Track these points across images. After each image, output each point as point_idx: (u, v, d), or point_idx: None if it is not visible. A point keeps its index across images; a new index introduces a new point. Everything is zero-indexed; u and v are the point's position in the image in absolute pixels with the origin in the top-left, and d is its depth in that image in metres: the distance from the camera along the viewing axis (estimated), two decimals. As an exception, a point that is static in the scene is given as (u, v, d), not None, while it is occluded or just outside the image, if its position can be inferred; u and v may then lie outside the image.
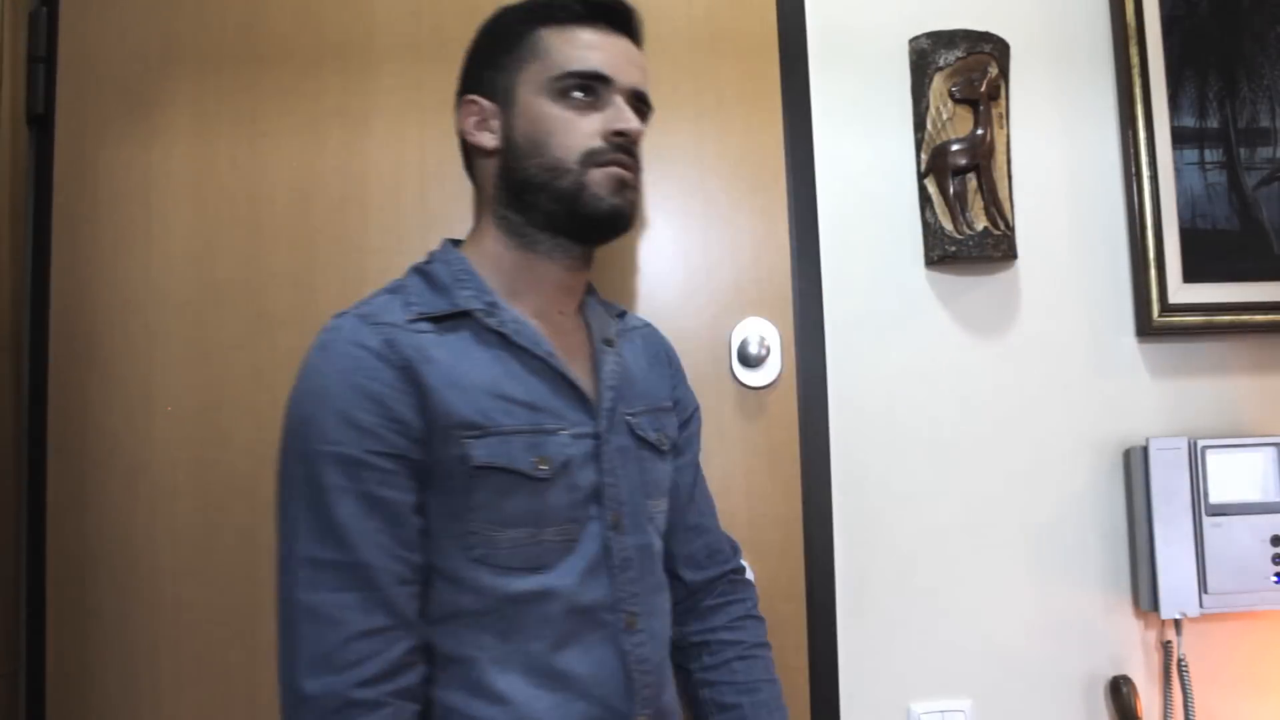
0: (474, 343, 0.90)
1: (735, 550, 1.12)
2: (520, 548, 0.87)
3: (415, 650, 0.84)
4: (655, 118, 1.28)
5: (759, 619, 1.09)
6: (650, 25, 1.30)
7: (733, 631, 1.06)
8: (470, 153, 1.00)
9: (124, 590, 1.19)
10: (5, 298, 1.19)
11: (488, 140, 0.97)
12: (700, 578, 1.07)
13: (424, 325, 0.89)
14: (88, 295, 1.22)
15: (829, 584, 1.26)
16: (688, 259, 1.29)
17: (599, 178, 0.92)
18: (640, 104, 0.98)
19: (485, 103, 0.97)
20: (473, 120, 0.98)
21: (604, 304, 1.08)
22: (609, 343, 1.00)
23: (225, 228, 1.24)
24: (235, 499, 1.19)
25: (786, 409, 1.27)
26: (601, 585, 0.90)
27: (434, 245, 1.25)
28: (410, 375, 0.86)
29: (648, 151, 1.28)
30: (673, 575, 1.07)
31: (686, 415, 1.10)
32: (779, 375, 1.27)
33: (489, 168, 0.98)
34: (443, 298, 0.92)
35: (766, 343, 1.26)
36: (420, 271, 0.97)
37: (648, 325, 1.13)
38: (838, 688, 1.25)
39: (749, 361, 1.26)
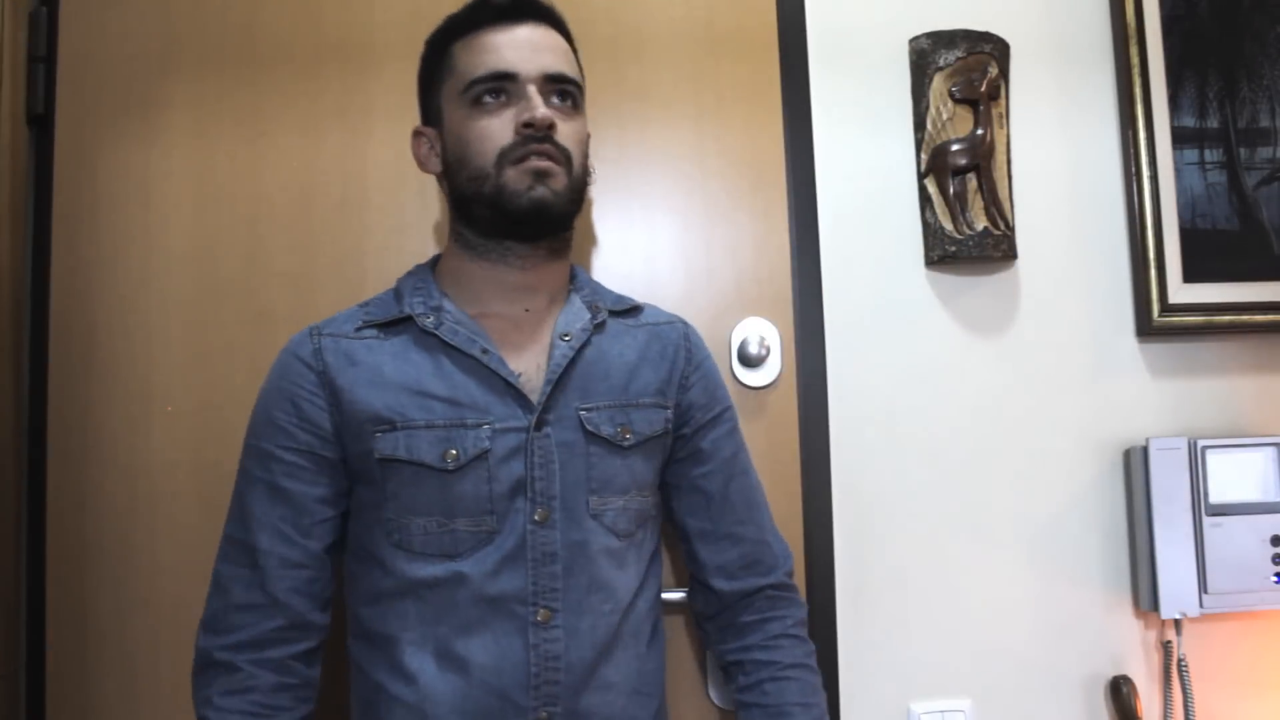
0: (412, 345, 0.97)
1: (782, 560, 1.07)
2: (431, 535, 0.93)
3: (290, 628, 0.93)
4: (655, 118, 1.29)
5: (798, 638, 1.04)
6: (650, 25, 1.31)
7: (767, 651, 1.02)
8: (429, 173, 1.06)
9: (124, 590, 1.19)
10: (5, 298, 1.19)
11: (434, 166, 1.03)
12: (733, 588, 1.04)
13: (369, 331, 0.99)
14: (88, 295, 1.22)
15: (829, 584, 1.26)
16: (688, 259, 1.29)
17: (513, 175, 0.94)
18: (563, 85, 0.98)
19: (429, 130, 1.03)
20: (422, 151, 1.04)
21: (610, 297, 1.07)
22: (565, 337, 0.99)
23: (225, 228, 1.24)
24: (235, 499, 1.19)
25: (786, 409, 1.27)
26: (517, 577, 0.92)
27: (434, 245, 1.26)
28: (326, 380, 0.96)
29: (648, 151, 1.29)
30: (705, 585, 1.06)
31: (710, 416, 1.06)
32: (779, 375, 1.27)
33: (444, 190, 1.04)
34: (395, 305, 1.00)
35: (766, 343, 1.26)
36: (395, 284, 1.05)
37: (672, 322, 1.09)
38: (838, 688, 1.25)
39: (749, 361, 1.26)
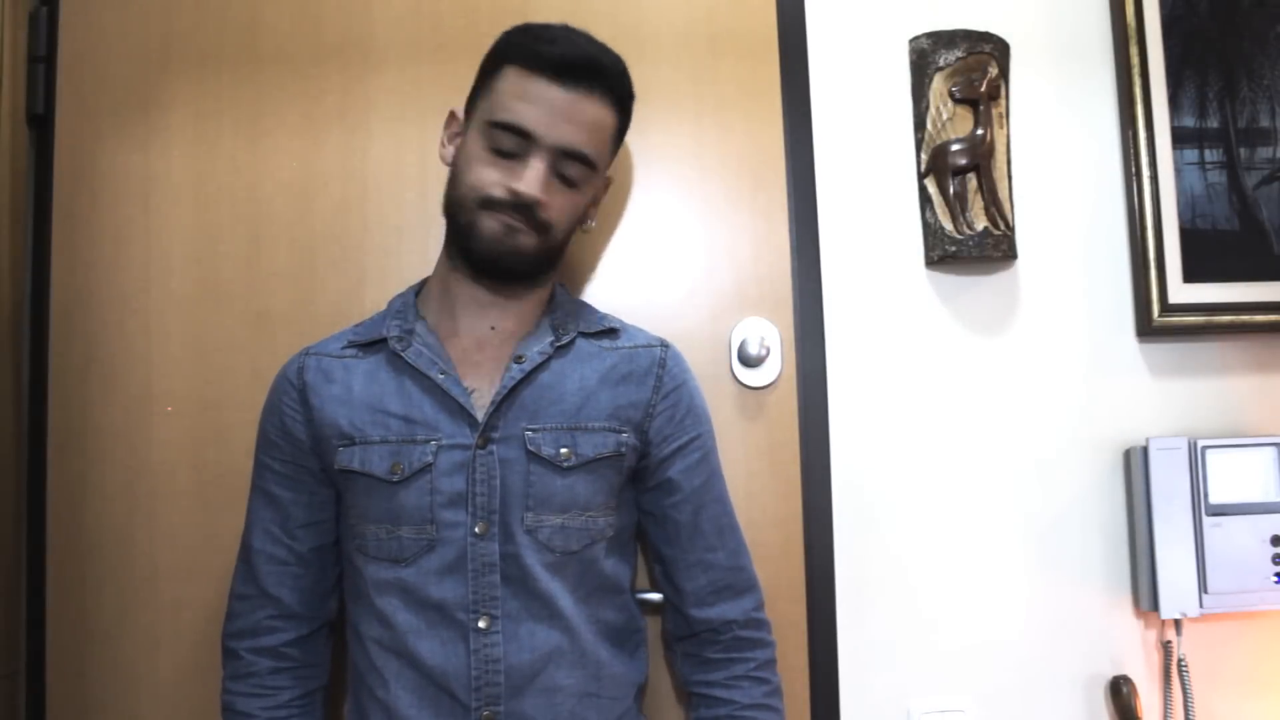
0: (383, 365, 1.04)
1: (748, 591, 1.08)
2: (382, 541, 0.99)
3: (279, 618, 1.04)
4: (655, 118, 1.29)
5: (760, 680, 1.06)
6: (650, 25, 1.31)
7: (728, 690, 1.05)
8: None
9: (124, 590, 1.19)
10: (5, 298, 1.19)
11: (445, 155, 1.07)
12: (704, 617, 1.06)
13: (351, 351, 1.06)
14: (88, 295, 1.22)
15: (829, 584, 1.26)
16: (688, 259, 1.29)
17: (488, 222, 0.98)
18: (572, 163, 1.00)
19: (459, 121, 1.07)
20: (447, 133, 1.07)
21: (590, 319, 1.08)
22: (519, 360, 1.02)
23: (225, 228, 1.24)
24: (235, 499, 1.18)
25: (786, 409, 1.27)
26: (457, 585, 0.97)
27: (434, 245, 1.26)
28: (304, 397, 1.04)
29: (648, 151, 1.29)
30: (677, 610, 1.08)
31: (677, 445, 1.06)
32: (779, 375, 1.27)
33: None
34: (377, 327, 1.06)
35: (766, 343, 1.26)
36: (389, 302, 1.10)
37: (651, 346, 1.09)
38: (838, 688, 1.25)
39: (749, 361, 1.26)
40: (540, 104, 0.97)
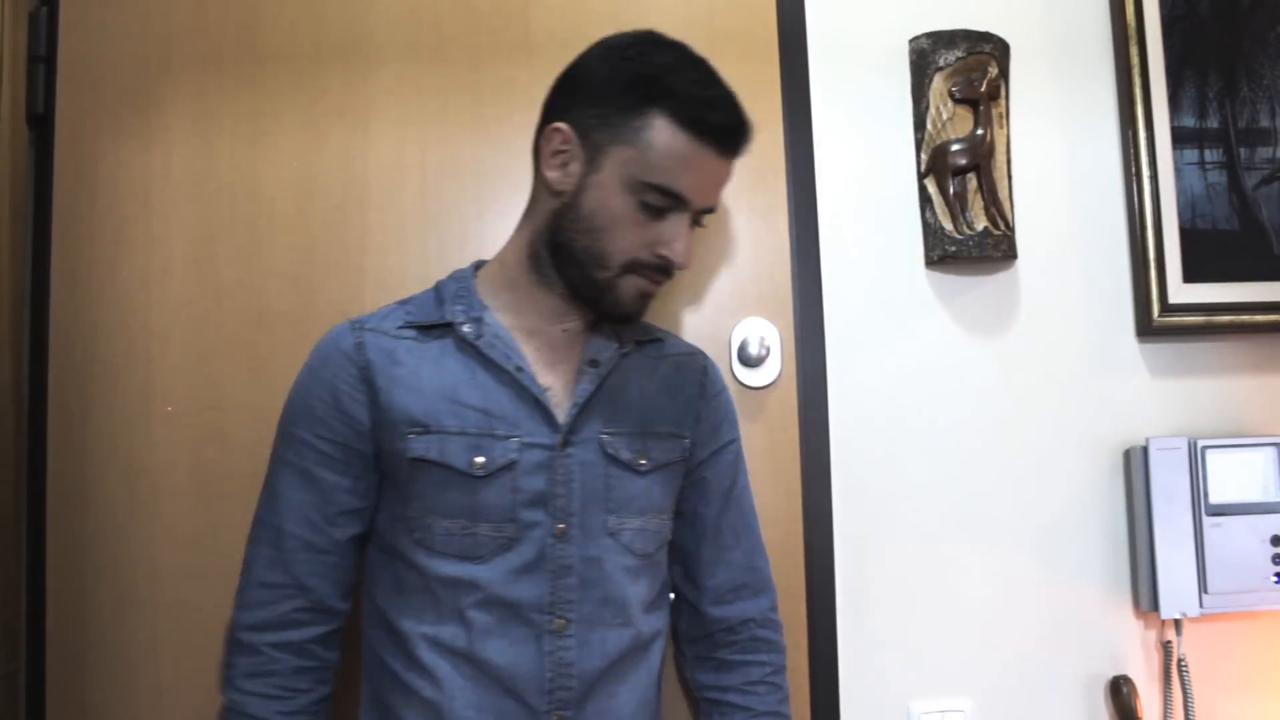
0: (450, 351, 0.99)
1: (763, 590, 1.09)
2: (453, 537, 0.95)
3: (310, 610, 0.96)
4: (655, 118, 1.29)
5: (775, 686, 1.07)
6: (650, 25, 1.30)
7: (743, 695, 1.05)
8: (539, 168, 1.01)
9: (124, 590, 1.19)
10: (5, 298, 1.19)
11: (558, 182, 0.98)
12: (720, 613, 1.07)
13: (409, 332, 0.99)
14: (88, 295, 1.22)
15: (829, 584, 1.26)
16: (688, 259, 1.29)
17: (628, 286, 0.97)
18: (707, 212, 1.00)
19: (574, 142, 0.97)
20: (552, 149, 0.98)
21: (636, 326, 1.07)
22: (594, 364, 1.01)
23: (225, 228, 1.24)
24: (235, 499, 1.19)
25: (786, 409, 1.27)
26: (534, 586, 0.95)
27: (434, 245, 1.26)
28: (366, 376, 0.97)
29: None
30: (694, 608, 1.09)
31: (715, 448, 1.09)
32: (779, 375, 1.27)
33: (547, 200, 0.99)
34: (437, 309, 1.01)
35: (766, 343, 1.26)
36: (435, 286, 1.05)
37: (693, 354, 1.11)
38: (838, 688, 1.25)
39: (749, 361, 1.26)
40: (700, 173, 0.96)
